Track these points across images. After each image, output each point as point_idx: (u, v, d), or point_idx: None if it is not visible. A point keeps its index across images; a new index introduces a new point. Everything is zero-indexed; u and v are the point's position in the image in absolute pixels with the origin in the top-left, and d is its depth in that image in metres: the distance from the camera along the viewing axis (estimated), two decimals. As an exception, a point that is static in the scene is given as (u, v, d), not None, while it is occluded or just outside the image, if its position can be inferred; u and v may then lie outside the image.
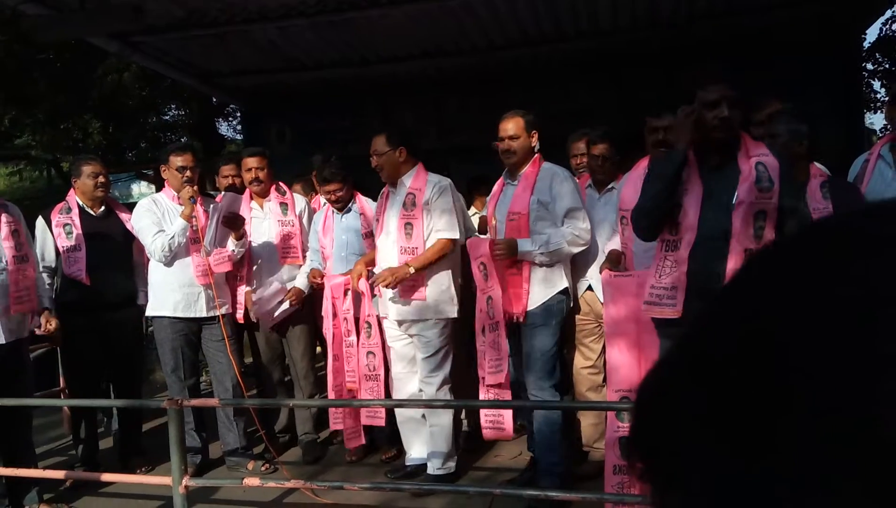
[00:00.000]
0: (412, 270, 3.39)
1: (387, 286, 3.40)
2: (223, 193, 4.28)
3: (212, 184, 5.32)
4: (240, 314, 4.06)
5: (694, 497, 0.31)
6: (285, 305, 3.97)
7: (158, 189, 4.11)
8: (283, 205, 4.15)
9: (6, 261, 3.37)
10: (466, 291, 3.58)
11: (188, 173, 3.79)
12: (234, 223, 3.81)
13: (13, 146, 12.07)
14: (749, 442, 0.29)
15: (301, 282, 4.05)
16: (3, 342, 3.36)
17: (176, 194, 3.85)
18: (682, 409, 0.32)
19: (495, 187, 3.60)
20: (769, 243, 0.34)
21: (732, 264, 2.50)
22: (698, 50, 5.71)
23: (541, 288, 3.30)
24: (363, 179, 4.17)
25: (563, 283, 3.31)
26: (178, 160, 3.82)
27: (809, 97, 4.68)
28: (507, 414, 3.36)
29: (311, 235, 4.14)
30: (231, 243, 3.87)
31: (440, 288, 3.47)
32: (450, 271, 3.51)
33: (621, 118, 4.30)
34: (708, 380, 0.31)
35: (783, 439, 0.28)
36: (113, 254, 4.00)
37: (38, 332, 3.68)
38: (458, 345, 3.65)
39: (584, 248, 3.32)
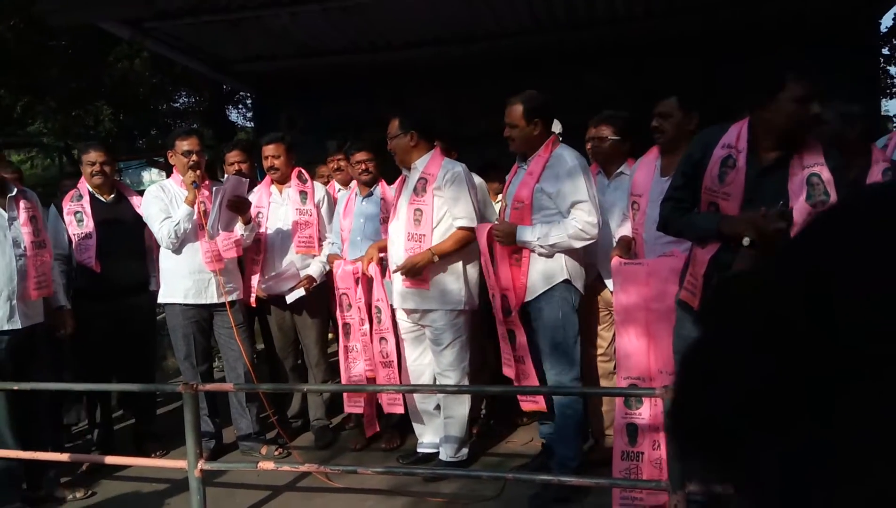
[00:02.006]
0: (437, 258, 3.36)
1: (410, 275, 3.38)
2: (226, 176, 4.27)
3: (223, 171, 5.34)
4: (253, 299, 4.08)
5: (761, 475, 0.30)
6: (299, 291, 3.97)
7: (169, 176, 4.12)
8: (303, 194, 4.12)
9: (25, 246, 3.41)
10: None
11: (193, 158, 3.80)
12: (239, 207, 3.80)
13: (25, 133, 12.13)
14: (819, 410, 0.29)
15: (314, 270, 4.05)
16: (20, 327, 3.39)
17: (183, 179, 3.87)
18: (745, 379, 0.31)
19: (511, 172, 3.57)
20: (831, 208, 0.34)
21: None
22: (717, 37, 5.65)
23: (539, 279, 3.22)
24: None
25: (563, 274, 3.19)
26: (183, 144, 3.83)
27: (827, 83, 4.62)
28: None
29: (335, 217, 4.13)
30: (240, 228, 3.87)
31: (448, 277, 3.43)
32: (460, 260, 3.45)
33: (636, 106, 4.27)
34: (777, 345, 0.30)
35: (853, 406, 0.28)
36: (124, 240, 4.02)
37: (58, 335, 3.73)
38: (475, 336, 3.62)
39: (589, 243, 3.16)
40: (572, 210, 3.14)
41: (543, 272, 3.21)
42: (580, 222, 3.11)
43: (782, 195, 2.33)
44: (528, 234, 3.16)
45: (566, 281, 3.21)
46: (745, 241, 2.33)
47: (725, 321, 0.35)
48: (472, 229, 3.37)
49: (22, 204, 3.45)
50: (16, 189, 3.47)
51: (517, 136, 3.27)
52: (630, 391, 2.86)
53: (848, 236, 0.31)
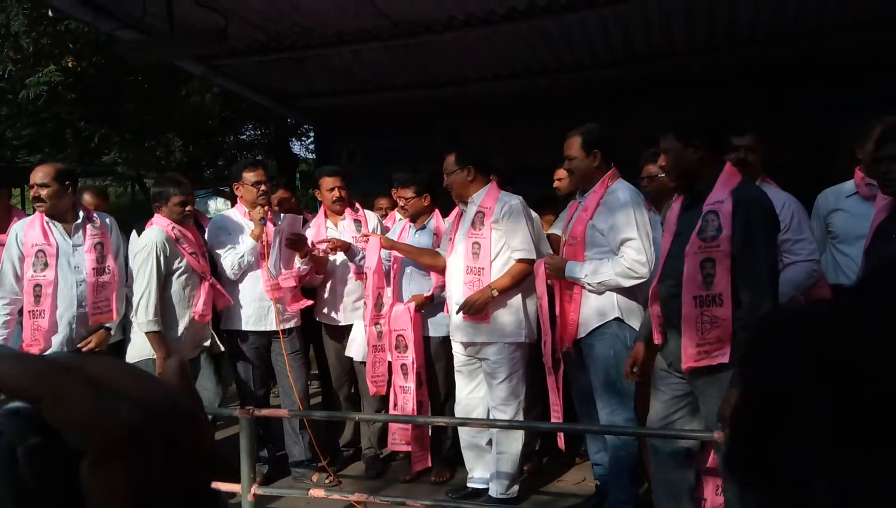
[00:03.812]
0: (496, 293, 3.37)
1: (470, 313, 3.39)
2: (282, 215, 4.34)
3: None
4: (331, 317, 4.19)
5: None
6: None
7: (234, 205, 4.27)
8: (357, 222, 4.24)
9: (86, 273, 3.53)
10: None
11: (263, 187, 3.92)
12: (297, 245, 3.94)
13: (101, 163, 12.74)
14: (878, 455, 0.30)
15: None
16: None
17: (248, 210, 3.99)
18: (809, 416, 0.32)
19: (570, 207, 3.57)
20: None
21: (685, 310, 2.56)
22: (782, 67, 5.56)
23: (591, 316, 3.19)
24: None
25: (614, 312, 3.16)
26: (251, 176, 3.95)
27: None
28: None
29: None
30: (297, 262, 4.00)
31: (507, 310, 3.43)
32: (519, 294, 3.45)
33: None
34: (845, 386, 0.31)
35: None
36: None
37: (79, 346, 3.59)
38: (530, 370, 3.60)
39: (639, 281, 3.11)
40: (622, 247, 3.12)
41: (595, 309, 3.18)
42: (628, 261, 3.09)
43: (692, 228, 2.60)
44: (578, 270, 3.17)
45: (618, 319, 3.17)
46: None
47: (783, 359, 0.36)
48: (530, 262, 3.37)
49: (88, 230, 3.58)
50: (82, 216, 3.60)
51: (576, 168, 3.30)
52: (686, 433, 2.78)
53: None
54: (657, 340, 2.78)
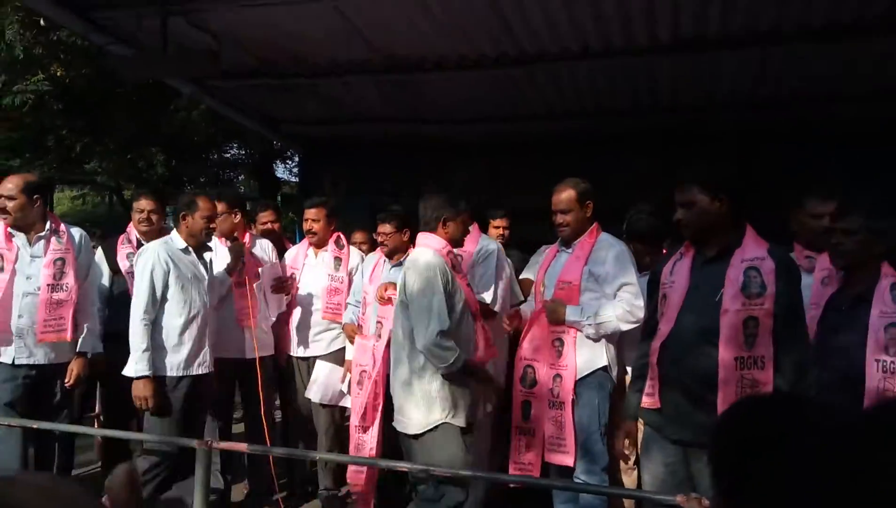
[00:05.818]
0: None
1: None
2: (257, 240, 4.25)
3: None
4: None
5: None
6: (344, 385, 3.98)
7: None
8: (337, 260, 4.16)
9: (39, 287, 3.43)
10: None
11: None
12: (283, 288, 4.08)
13: (82, 171, 12.60)
14: None
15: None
16: (25, 362, 3.41)
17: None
18: None
19: (547, 254, 3.56)
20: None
21: (723, 373, 2.37)
22: (760, 134, 5.67)
23: (581, 363, 3.20)
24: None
25: (603, 360, 3.21)
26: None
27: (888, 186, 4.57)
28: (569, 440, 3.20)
29: (356, 278, 4.10)
30: (284, 300, 4.14)
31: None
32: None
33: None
34: None
35: None
36: None
37: (66, 385, 3.54)
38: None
39: (635, 325, 3.13)
40: (619, 292, 3.16)
41: (586, 356, 3.20)
42: (628, 304, 3.14)
43: (720, 283, 2.44)
44: (577, 314, 3.17)
45: (604, 368, 3.21)
46: None
47: None
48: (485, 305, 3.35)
49: (52, 244, 3.49)
50: (48, 228, 3.50)
51: (572, 220, 3.30)
52: (649, 493, 2.75)
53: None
54: (655, 404, 2.60)
